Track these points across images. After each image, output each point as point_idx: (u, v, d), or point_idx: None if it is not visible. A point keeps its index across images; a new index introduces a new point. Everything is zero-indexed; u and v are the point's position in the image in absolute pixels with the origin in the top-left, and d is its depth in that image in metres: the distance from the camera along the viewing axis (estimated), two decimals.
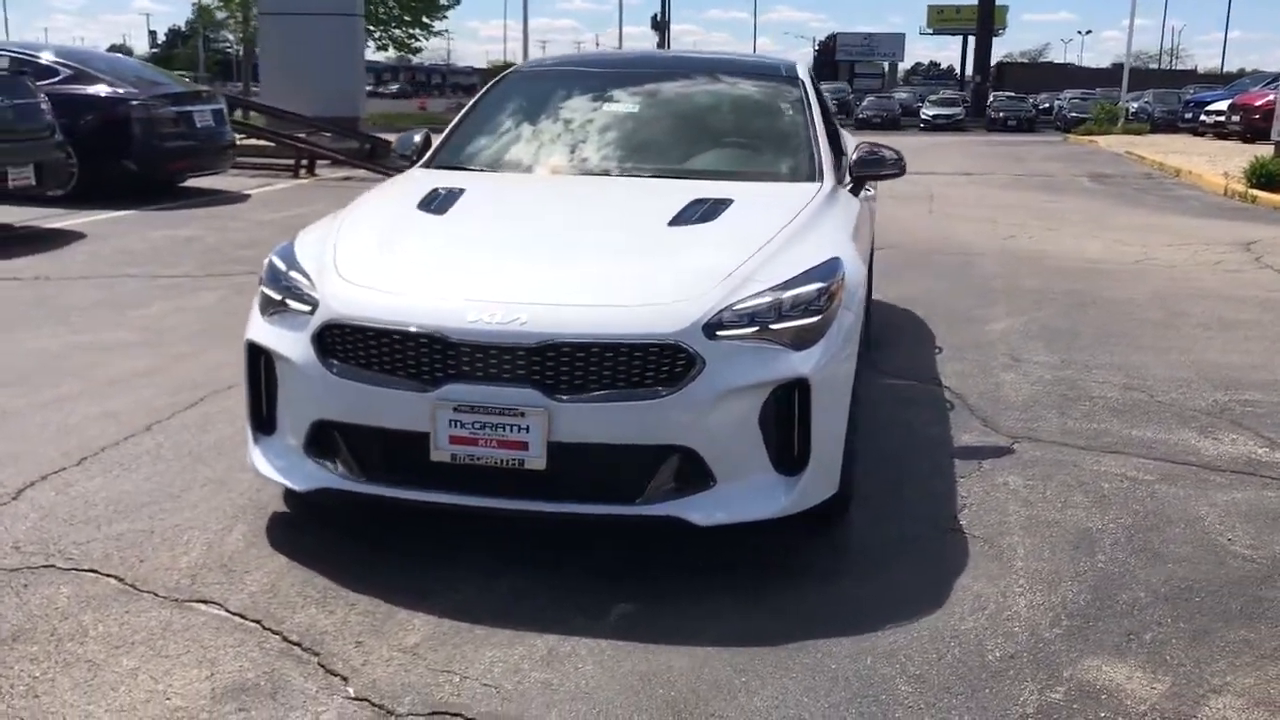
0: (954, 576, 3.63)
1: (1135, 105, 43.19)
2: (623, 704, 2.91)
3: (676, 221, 4.01)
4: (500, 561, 3.67)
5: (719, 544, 3.68)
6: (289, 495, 4.03)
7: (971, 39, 71.97)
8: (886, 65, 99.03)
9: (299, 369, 3.61)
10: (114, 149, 12.22)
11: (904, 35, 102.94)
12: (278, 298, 3.77)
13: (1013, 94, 56.15)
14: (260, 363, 3.77)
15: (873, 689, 2.99)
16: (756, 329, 3.48)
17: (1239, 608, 3.46)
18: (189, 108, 12.99)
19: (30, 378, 5.64)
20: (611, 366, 3.37)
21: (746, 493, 3.51)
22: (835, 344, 3.61)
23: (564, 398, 3.36)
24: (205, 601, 3.39)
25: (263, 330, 3.78)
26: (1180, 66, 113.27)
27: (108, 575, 3.54)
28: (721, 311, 3.45)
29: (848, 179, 4.98)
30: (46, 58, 12.79)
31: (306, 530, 3.91)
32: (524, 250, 3.87)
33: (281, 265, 3.86)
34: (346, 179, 16.29)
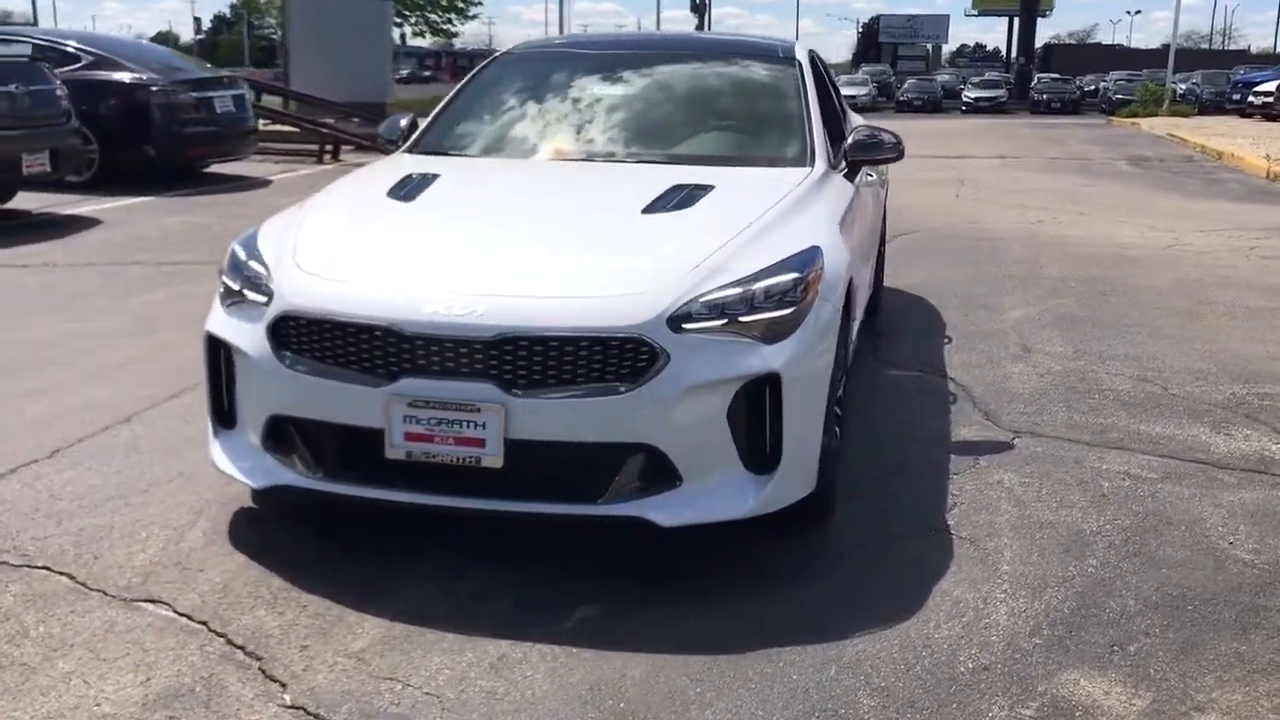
0: (934, 581, 3.46)
1: (1183, 87, 42.37)
2: (567, 716, 2.78)
3: (651, 209, 3.85)
4: (466, 560, 3.55)
5: (691, 544, 3.53)
6: (256, 491, 3.92)
7: (1017, 20, 70.87)
8: (930, 47, 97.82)
9: (254, 362, 3.50)
10: (134, 135, 12.21)
11: (948, 17, 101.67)
12: (236, 288, 3.66)
13: (1057, 76, 55.18)
14: (220, 355, 3.66)
15: (832, 702, 2.84)
16: (725, 321, 3.33)
17: (1234, 617, 3.27)
18: (209, 93, 12.95)
19: (18, 366, 5.59)
20: (571, 361, 3.23)
21: (715, 492, 3.36)
22: (810, 337, 3.45)
23: (522, 393, 3.22)
24: (154, 601, 3.29)
25: (221, 321, 3.67)
26: (1233, 46, 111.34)
27: (59, 573, 3.45)
28: (688, 303, 3.30)
29: (844, 164, 4.80)
30: (69, 44, 12.78)
31: (270, 527, 3.81)
32: (488, 239, 3.73)
33: (242, 254, 3.75)
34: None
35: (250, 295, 3.59)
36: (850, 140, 4.77)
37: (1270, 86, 30.07)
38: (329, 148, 16.47)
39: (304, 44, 22.54)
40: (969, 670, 2.98)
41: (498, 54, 5.69)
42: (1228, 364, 5.92)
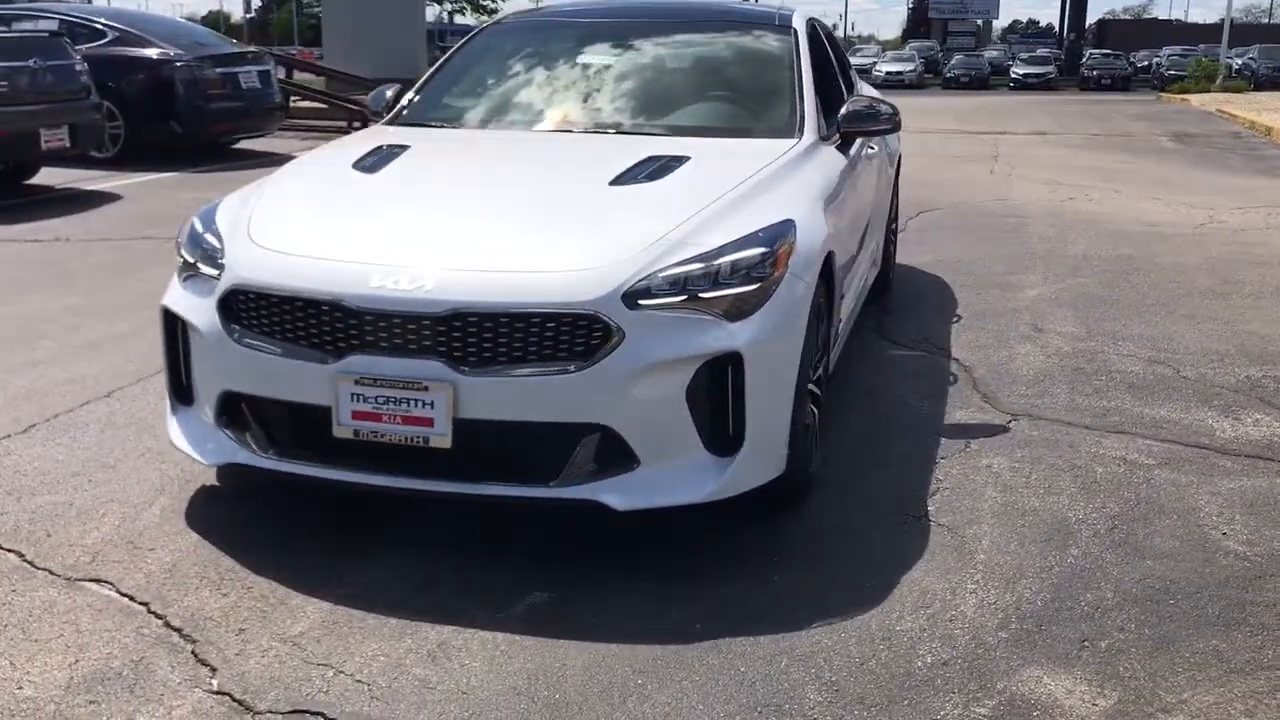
0: (903, 569, 3.31)
1: (1238, 62, 41.33)
2: (499, 707, 2.67)
3: (620, 181, 3.72)
4: (423, 542, 3.46)
5: (657, 528, 3.41)
6: (211, 468, 3.85)
7: None
8: (980, 23, 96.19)
9: (206, 337, 3.42)
10: (159, 111, 12.21)
11: None
12: (191, 260, 3.58)
13: (1109, 51, 54.03)
14: (176, 330, 3.58)
15: (778, 697, 2.71)
16: (684, 298, 3.19)
17: (1217, 613, 3.10)
18: (235, 69, 12.92)
19: (11, 339, 5.56)
20: (522, 338, 3.11)
21: (673, 475, 3.24)
22: (778, 315, 3.31)
23: (471, 371, 3.11)
24: (99, 581, 3.23)
25: (176, 296, 3.60)
26: None
27: (9, 550, 3.40)
28: (646, 278, 3.17)
29: (837, 136, 4.63)
30: (96, 20, 12.81)
31: (231, 505, 3.74)
32: (446, 212, 3.62)
33: (199, 226, 3.67)
34: None
35: (204, 269, 3.51)
36: (844, 111, 4.59)
37: None
38: (356, 123, 16.40)
39: (338, 21, 22.55)
40: (926, 665, 2.83)
41: (483, 25, 5.56)
42: (1247, 345, 5.69)
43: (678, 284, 3.20)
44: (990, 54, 61.01)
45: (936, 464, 4.09)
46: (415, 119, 4.76)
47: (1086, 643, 2.94)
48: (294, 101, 16.68)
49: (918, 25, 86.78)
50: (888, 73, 47.87)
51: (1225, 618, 3.07)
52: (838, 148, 4.60)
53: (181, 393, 3.64)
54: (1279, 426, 4.53)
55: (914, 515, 3.68)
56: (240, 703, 2.68)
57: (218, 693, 2.71)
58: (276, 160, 13.50)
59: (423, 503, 3.56)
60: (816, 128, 4.44)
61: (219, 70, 12.69)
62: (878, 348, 5.65)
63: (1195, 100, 29.70)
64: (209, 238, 3.58)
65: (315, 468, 3.33)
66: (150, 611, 3.07)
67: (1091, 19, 69.45)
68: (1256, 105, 24.88)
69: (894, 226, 6.88)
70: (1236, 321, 6.19)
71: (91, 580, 3.23)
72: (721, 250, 3.29)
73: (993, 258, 7.94)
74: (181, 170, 11.99)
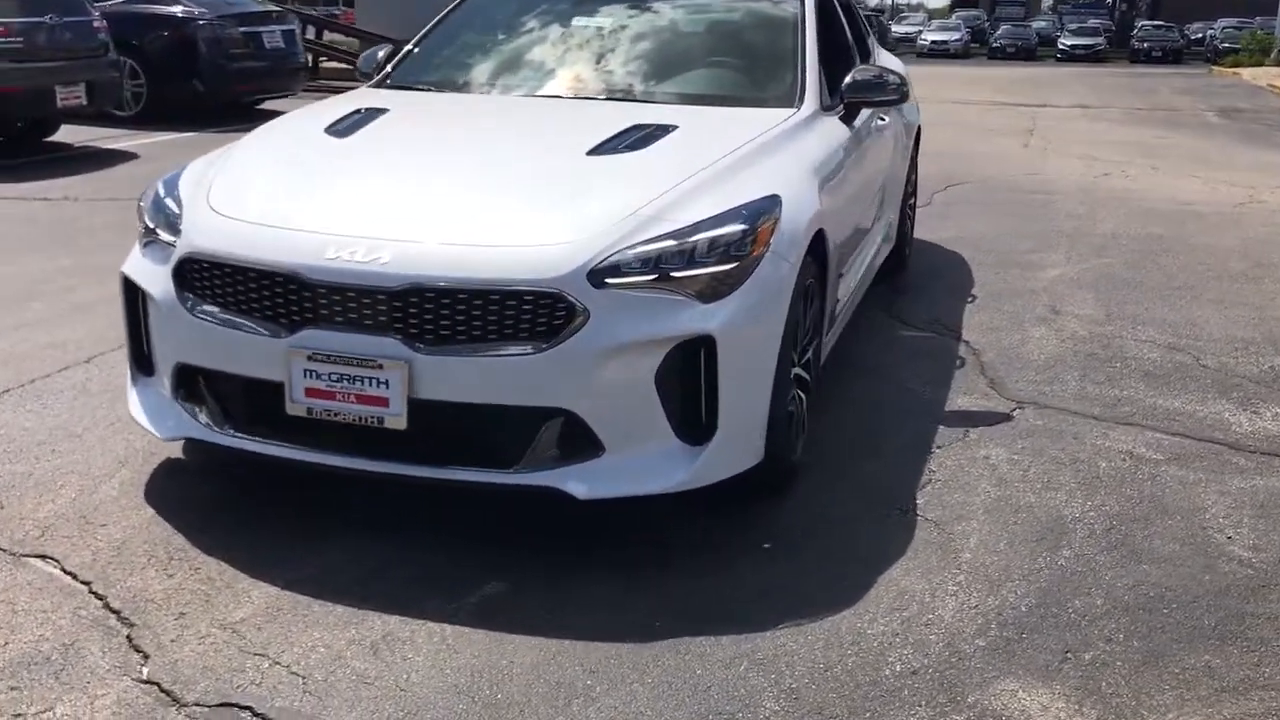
0: (883, 567, 3.14)
1: None
2: (437, 706, 2.54)
3: (599, 150, 3.53)
4: (384, 524, 3.32)
5: (627, 517, 3.26)
6: (187, 441, 3.73)
7: None
8: None
9: (161, 306, 3.29)
10: (181, 69, 12.10)
11: None
12: (151, 226, 3.45)
13: (1161, 23, 52.79)
14: (137, 298, 3.45)
15: (732, 704, 2.55)
16: (655, 277, 3.02)
17: (1213, 624, 2.90)
18: (259, 28, 12.79)
19: (1, 300, 5.47)
20: (482, 317, 2.96)
21: (642, 463, 3.08)
22: (756, 296, 3.13)
23: (427, 350, 2.96)
24: (44, 557, 3.12)
25: (135, 263, 3.47)
26: None
27: None
28: (614, 255, 3.00)
29: (840, 106, 4.42)
30: None
31: (192, 480, 3.62)
32: (412, 181, 3.45)
33: (161, 191, 3.54)
34: None
35: (163, 235, 3.38)
36: (847, 80, 4.38)
37: None
38: None
39: None
40: (895, 674, 2.67)
41: None
42: (1275, 333, 5.43)
43: (649, 262, 3.02)
44: (1038, 24, 59.77)
45: (932, 453, 3.90)
46: (402, 82, 4.59)
47: (1069, 654, 2.76)
48: (322, 62, 16.56)
49: None
50: (933, 42, 47.09)
51: (1221, 630, 2.87)
52: (841, 119, 4.39)
53: (143, 363, 3.51)
54: None
55: (901, 508, 3.50)
56: (168, 693, 2.56)
57: (146, 682, 2.60)
58: None
59: (387, 484, 3.42)
60: (818, 97, 4.23)
61: (242, 29, 12.57)
62: (886, 327, 5.44)
63: (1247, 74, 28.94)
64: (170, 203, 3.44)
65: (270, 445, 3.20)
66: (91, 592, 2.96)
67: None
68: None
69: (912, 202, 6.65)
70: (1267, 307, 5.92)
71: (37, 556, 3.12)
72: (698, 226, 3.11)
73: (1017, 235, 7.68)
74: (202, 130, 11.88)
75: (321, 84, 15.77)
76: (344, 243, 3.03)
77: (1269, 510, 3.53)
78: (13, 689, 2.56)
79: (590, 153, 3.51)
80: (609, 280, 2.97)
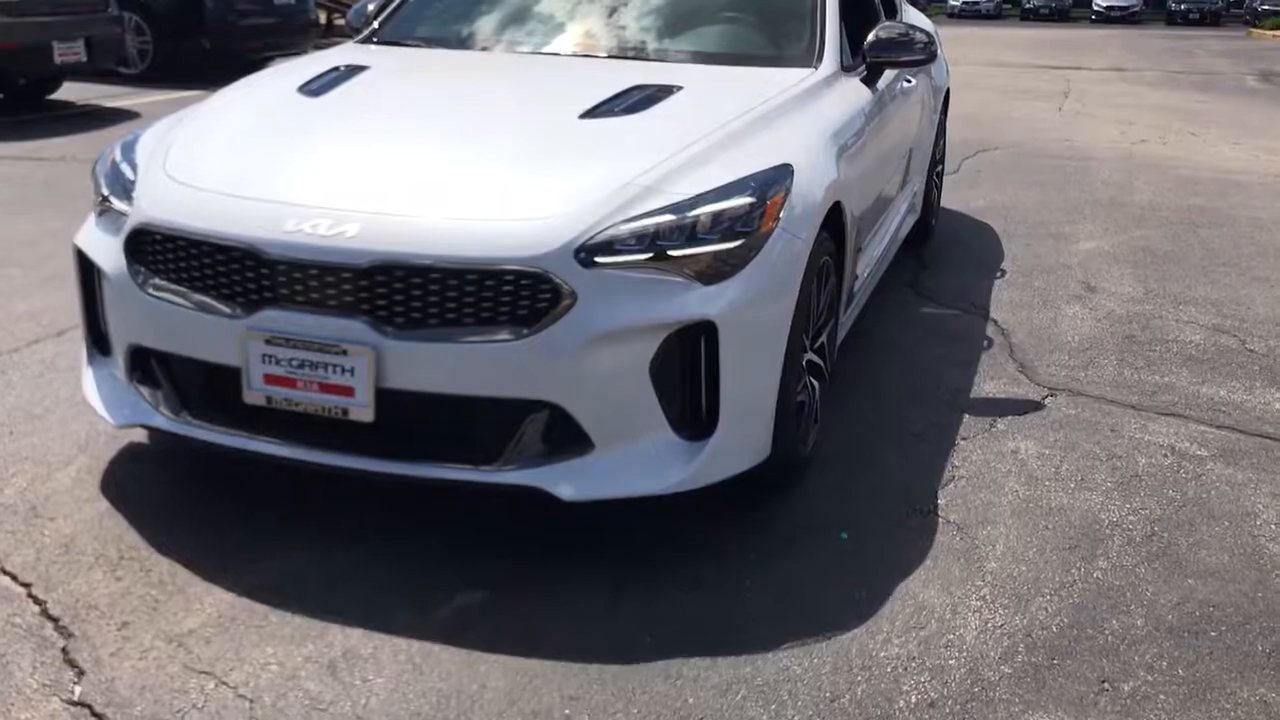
0: (899, 577, 2.85)
1: None
2: None
3: (593, 113, 3.22)
4: (357, 522, 3.06)
5: (613, 514, 2.98)
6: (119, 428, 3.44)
7: None
8: None
9: (113, 282, 3.01)
10: (188, 26, 11.83)
11: None
12: (106, 193, 3.17)
13: None
14: (93, 272, 3.18)
15: None
16: (651, 255, 2.71)
17: (1267, 651, 2.60)
18: None
19: None
20: (457, 297, 2.66)
21: (634, 461, 2.79)
22: (763, 277, 2.83)
23: (396, 334, 2.67)
24: None
25: (88, 233, 3.20)
26: None
27: None
28: (606, 231, 2.70)
29: (863, 66, 4.08)
30: None
31: (152, 469, 3.36)
32: (383, 146, 3.14)
33: (117, 154, 3.26)
34: None
35: (116, 203, 3.10)
36: (870, 38, 4.03)
37: None
38: None
39: None
40: (909, 706, 2.38)
41: None
42: None
43: (644, 238, 2.72)
44: None
45: (955, 446, 3.60)
46: (391, 37, 4.28)
47: (1106, 684, 2.46)
48: (335, 19, 16.21)
49: None
50: (964, 2, 46.14)
51: (1277, 658, 2.57)
52: (863, 80, 4.06)
53: (100, 342, 3.24)
54: None
55: (921, 509, 3.20)
56: (99, 717, 2.30)
57: (76, 703, 2.34)
58: None
59: (355, 480, 3.14)
60: (838, 57, 3.90)
61: None
62: (909, 304, 5.12)
63: None
64: (125, 168, 3.16)
65: (229, 435, 2.92)
66: (31, 595, 2.71)
67: None
68: None
69: (939, 169, 6.30)
70: None
71: None
72: (700, 199, 2.81)
73: (1050, 204, 7.31)
74: (209, 88, 11.55)
75: (334, 41, 15.41)
76: (306, 214, 2.74)
77: None
78: None
79: (584, 115, 3.20)
80: (599, 259, 2.67)
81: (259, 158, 3.07)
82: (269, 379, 2.76)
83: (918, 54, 4.08)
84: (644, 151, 2.97)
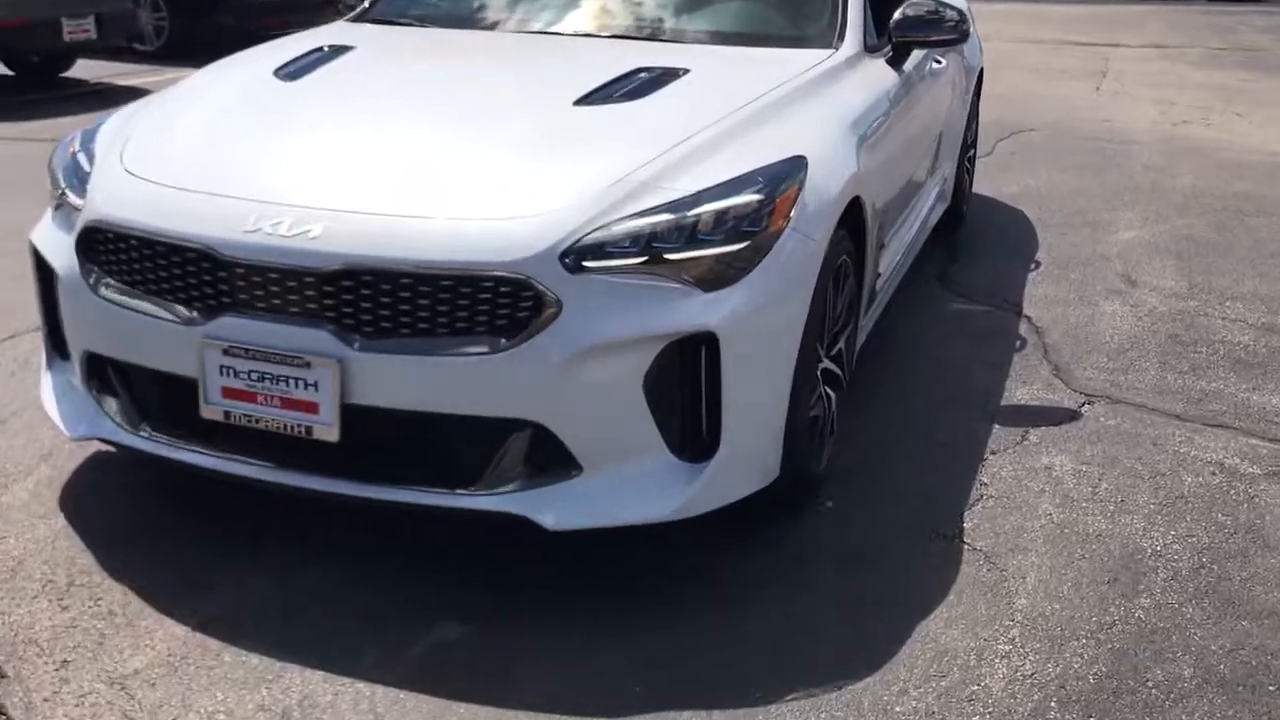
0: (919, 615, 2.58)
1: None
2: None
3: (588, 100, 2.95)
4: (326, 546, 2.82)
5: (608, 539, 2.72)
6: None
7: None
8: None
9: (65, 283, 2.78)
10: (205, 1, 11.60)
11: None
12: (61, 188, 2.93)
13: None
14: (50, 271, 2.95)
15: None
16: (646, 258, 2.45)
17: None
18: None
19: None
20: (430, 305, 2.41)
21: (627, 486, 2.53)
22: (771, 283, 2.56)
23: (364, 345, 2.42)
24: None
25: (44, 230, 2.96)
26: None
27: None
28: (594, 231, 2.43)
29: (888, 46, 3.79)
30: None
31: (117, 483, 3.13)
32: (357, 136, 2.88)
33: (76, 145, 3.02)
34: None
35: (71, 198, 2.86)
36: (897, 15, 3.73)
37: None
38: None
39: None
40: None
41: None
42: None
43: (638, 240, 2.46)
44: None
45: (984, 461, 3.32)
46: (385, 15, 4.02)
47: None
48: None
49: None
50: None
51: None
52: (889, 61, 3.77)
53: (60, 345, 3.01)
54: None
55: (945, 534, 2.93)
56: None
57: None
58: None
59: (321, 504, 2.89)
60: (861, 36, 3.61)
61: None
62: (937, 299, 4.82)
63: None
64: (83, 159, 2.93)
65: (188, 451, 2.68)
66: None
67: None
68: None
69: (971, 154, 5.98)
70: None
71: None
72: (702, 196, 2.54)
73: (1087, 190, 6.96)
74: None
75: None
76: (268, 212, 2.49)
77: None
78: None
79: (579, 102, 2.93)
80: (588, 263, 2.41)
81: (221, 149, 2.82)
82: (227, 392, 2.52)
83: (948, 33, 3.78)
84: (642, 142, 2.70)
